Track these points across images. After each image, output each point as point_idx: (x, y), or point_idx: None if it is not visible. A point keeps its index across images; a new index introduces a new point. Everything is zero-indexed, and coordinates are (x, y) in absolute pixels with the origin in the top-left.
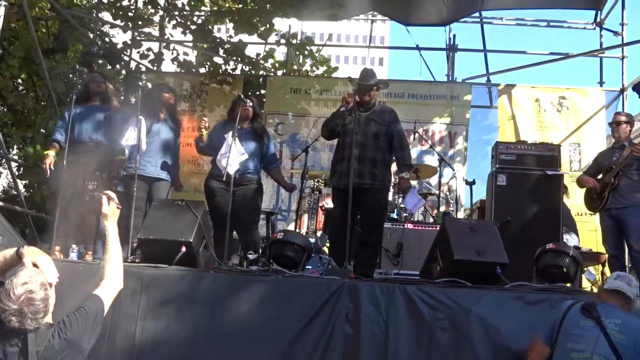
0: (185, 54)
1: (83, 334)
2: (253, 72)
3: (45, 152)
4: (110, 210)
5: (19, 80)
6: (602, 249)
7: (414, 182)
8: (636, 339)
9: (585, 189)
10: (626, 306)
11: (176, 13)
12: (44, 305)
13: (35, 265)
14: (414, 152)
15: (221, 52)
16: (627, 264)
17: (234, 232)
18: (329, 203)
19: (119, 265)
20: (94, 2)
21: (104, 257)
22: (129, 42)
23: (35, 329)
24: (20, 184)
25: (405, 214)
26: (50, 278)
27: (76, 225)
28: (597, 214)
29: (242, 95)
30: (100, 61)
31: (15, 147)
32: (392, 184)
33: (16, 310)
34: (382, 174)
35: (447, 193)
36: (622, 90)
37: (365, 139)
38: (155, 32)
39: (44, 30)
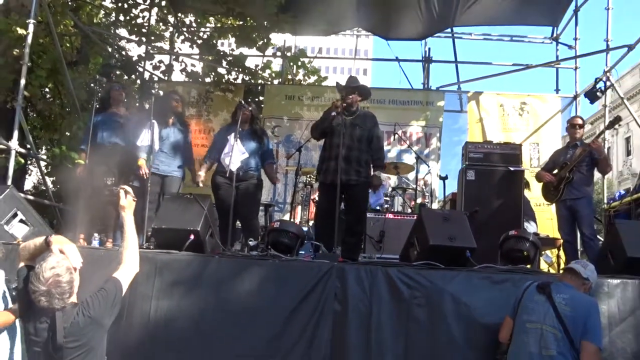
0: (193, 65)
1: (104, 312)
2: (252, 81)
3: (77, 161)
4: (127, 202)
5: (47, 89)
6: (557, 235)
7: (394, 177)
8: (582, 311)
9: (542, 182)
10: (582, 287)
11: (184, 29)
12: (69, 287)
13: (61, 251)
14: (394, 151)
15: (224, 63)
16: (579, 247)
17: (237, 222)
18: None
19: (135, 251)
20: (112, 19)
21: (122, 244)
22: (143, 55)
23: (62, 308)
24: (49, 180)
25: (386, 206)
26: (75, 263)
27: (98, 216)
28: (554, 204)
29: (242, 102)
30: (117, 72)
31: (43, 147)
32: None
33: (45, 291)
34: (365, 171)
35: (423, 187)
36: (575, 97)
37: (350, 141)
38: (166, 46)
39: (68, 45)
